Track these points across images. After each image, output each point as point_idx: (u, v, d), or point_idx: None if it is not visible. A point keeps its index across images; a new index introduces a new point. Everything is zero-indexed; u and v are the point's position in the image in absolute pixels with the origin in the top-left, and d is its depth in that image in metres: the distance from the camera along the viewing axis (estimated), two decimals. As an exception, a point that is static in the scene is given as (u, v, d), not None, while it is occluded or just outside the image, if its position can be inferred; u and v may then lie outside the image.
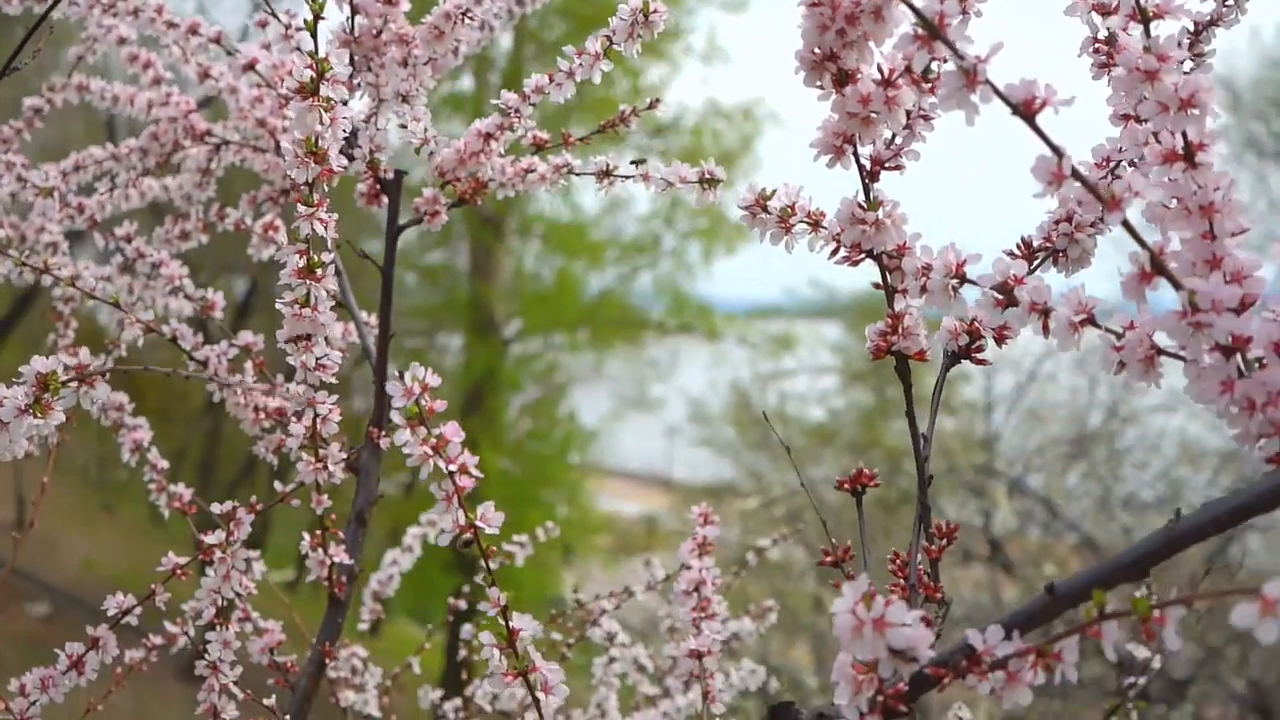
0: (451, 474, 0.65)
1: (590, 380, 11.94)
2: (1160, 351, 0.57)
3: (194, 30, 1.12)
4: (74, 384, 0.70)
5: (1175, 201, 0.58)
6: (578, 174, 1.01)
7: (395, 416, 0.64)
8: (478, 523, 0.66)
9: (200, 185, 1.23)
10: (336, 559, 1.00)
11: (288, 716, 0.97)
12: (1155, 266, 0.54)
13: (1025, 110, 0.53)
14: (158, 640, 1.17)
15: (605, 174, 0.98)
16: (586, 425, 11.64)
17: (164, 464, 1.13)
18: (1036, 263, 0.71)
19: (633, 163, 0.98)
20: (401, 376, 0.64)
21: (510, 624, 0.68)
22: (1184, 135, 0.56)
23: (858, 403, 10.95)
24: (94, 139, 1.29)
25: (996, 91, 0.52)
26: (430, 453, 0.65)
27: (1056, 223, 0.71)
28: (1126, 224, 0.54)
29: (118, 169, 1.24)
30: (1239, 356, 0.54)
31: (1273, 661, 6.40)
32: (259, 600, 1.11)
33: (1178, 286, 0.54)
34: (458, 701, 1.43)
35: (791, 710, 0.60)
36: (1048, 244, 0.71)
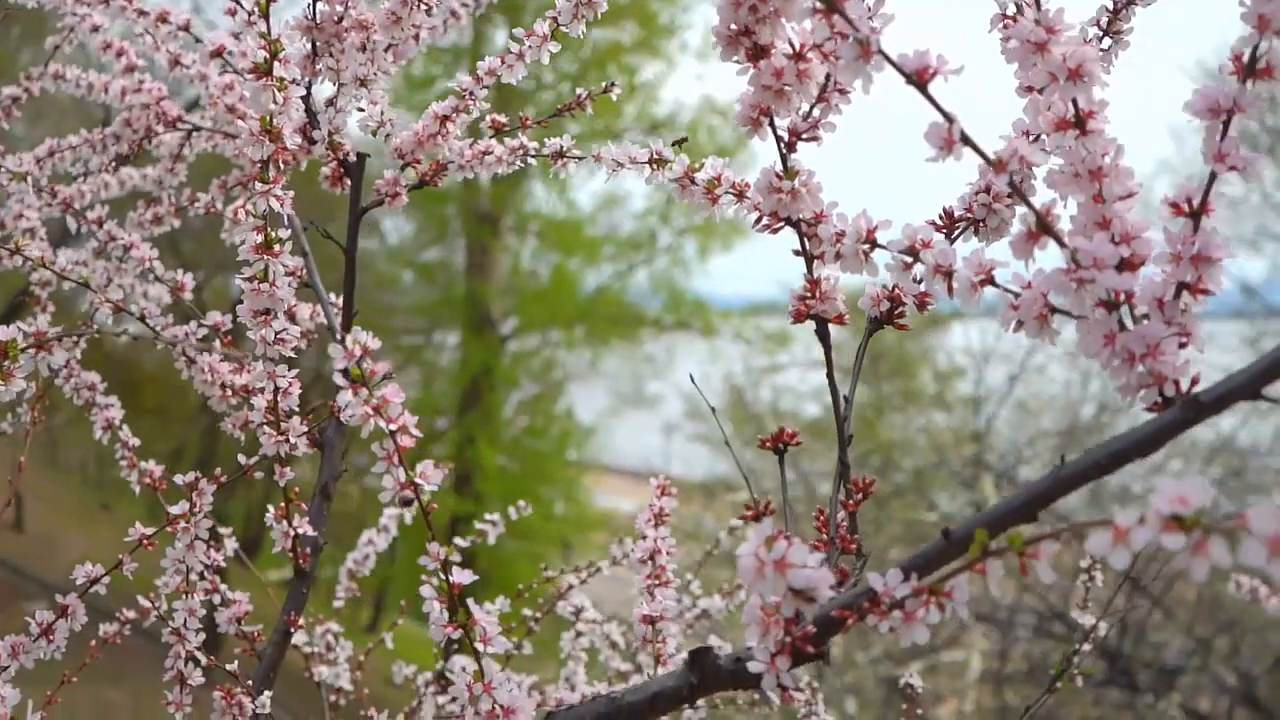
0: (393, 434, 0.68)
1: (587, 377, 11.98)
2: (1054, 309, 0.60)
3: (164, 18, 1.15)
4: (32, 350, 0.73)
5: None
6: (533, 156, 1.04)
7: (337, 378, 0.68)
8: (418, 480, 0.69)
9: (172, 170, 1.26)
10: (300, 531, 1.03)
11: (250, 682, 1.00)
12: (1041, 226, 0.57)
13: (918, 79, 0.56)
14: (130, 614, 1.21)
15: (559, 155, 1.01)
16: (584, 422, 11.67)
17: (135, 441, 1.16)
18: (957, 232, 0.74)
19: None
20: (343, 341, 0.67)
21: (451, 578, 0.71)
22: (1074, 103, 0.59)
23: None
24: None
25: (890, 61, 0.55)
26: (371, 413, 0.68)
27: (976, 193, 0.74)
28: (1012, 185, 0.57)
29: (91, 155, 1.27)
30: (1124, 311, 0.58)
31: (1262, 652, 6.43)
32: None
33: (1063, 245, 0.57)
34: (428, 675, 1.47)
35: (710, 653, 0.63)
36: (968, 214, 0.75)
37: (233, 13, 1.14)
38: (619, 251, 11.70)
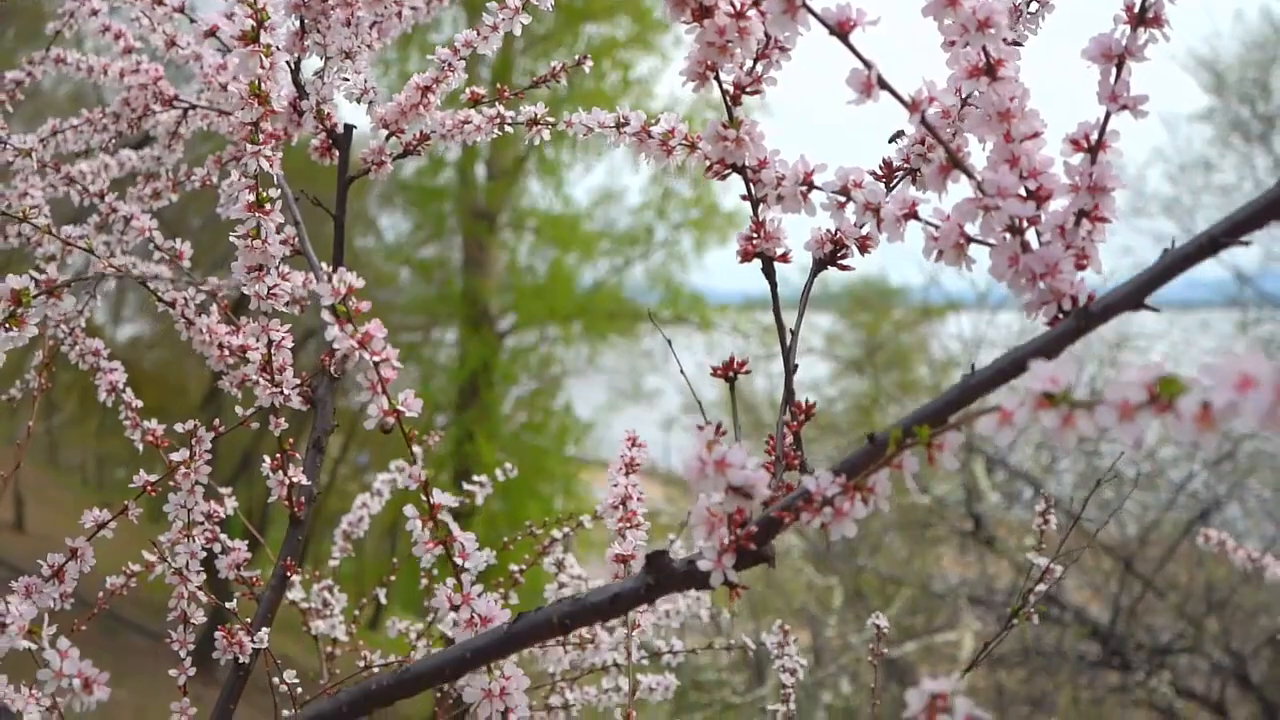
0: (376, 365, 0.75)
1: (585, 373, 12.05)
2: (969, 239, 0.66)
3: (159, 0, 1.21)
4: (43, 297, 0.79)
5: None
6: (510, 124, 1.10)
7: (324, 315, 0.74)
8: (400, 407, 0.75)
9: (169, 147, 1.33)
10: (295, 480, 1.10)
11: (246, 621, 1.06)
12: (951, 160, 0.63)
13: (840, 30, 0.62)
14: (136, 567, 1.27)
15: (534, 122, 1.08)
16: (582, 417, 11.73)
17: (138, 403, 1.22)
18: (896, 179, 0.81)
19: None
20: (330, 279, 0.73)
21: (431, 500, 0.77)
22: (985, 52, 0.65)
23: (850, 390, 11.07)
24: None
25: (814, 14, 0.62)
26: (357, 345, 0.74)
27: (913, 144, 0.81)
28: (925, 123, 0.63)
29: (93, 134, 1.33)
30: (1031, 236, 0.64)
31: (1252, 633, 6.51)
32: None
33: (971, 177, 0.63)
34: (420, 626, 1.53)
35: (665, 556, 0.70)
36: (906, 164, 0.81)
37: (225, -5, 1.20)
38: (615, 247, 11.78)
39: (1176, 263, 0.57)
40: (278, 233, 0.94)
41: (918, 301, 10.62)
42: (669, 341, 0.94)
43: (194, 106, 1.33)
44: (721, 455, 0.61)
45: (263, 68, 0.83)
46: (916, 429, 0.56)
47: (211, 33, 1.16)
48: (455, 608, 0.75)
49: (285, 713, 1.11)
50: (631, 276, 11.84)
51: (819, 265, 0.80)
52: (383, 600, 1.52)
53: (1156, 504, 7.20)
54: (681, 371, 1.06)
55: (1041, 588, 1.21)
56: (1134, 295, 0.58)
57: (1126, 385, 0.45)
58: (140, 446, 1.20)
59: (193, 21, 1.23)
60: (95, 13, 1.32)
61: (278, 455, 1.09)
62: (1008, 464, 6.51)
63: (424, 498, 0.77)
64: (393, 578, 1.58)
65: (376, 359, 0.74)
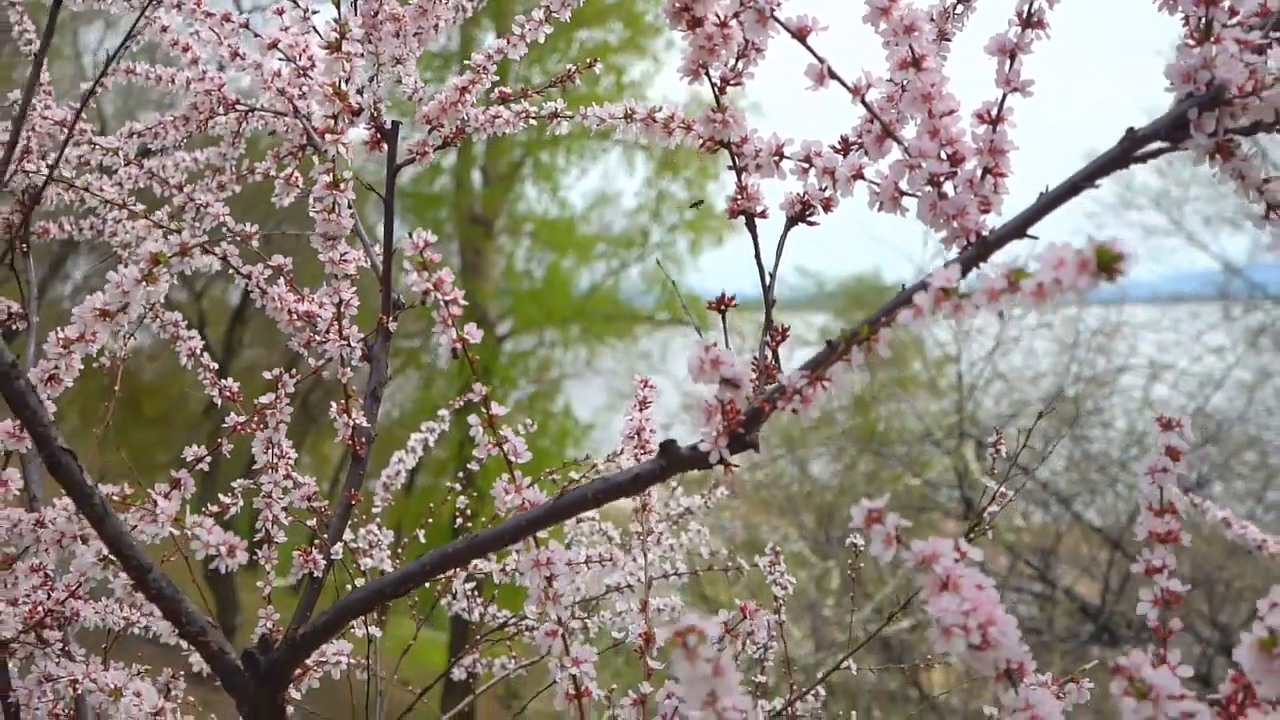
0: (447, 303, 0.95)
1: (584, 375, 12.24)
2: (902, 192, 0.86)
3: (227, 18, 1.42)
4: (177, 257, 0.99)
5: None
6: (534, 118, 1.30)
7: (405, 264, 0.94)
8: (465, 336, 0.96)
9: (233, 145, 1.53)
10: (358, 423, 1.30)
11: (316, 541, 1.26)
12: (885, 132, 0.84)
13: (800, 34, 0.82)
14: (214, 509, 1.47)
15: (554, 115, 1.28)
16: (582, 419, 11.92)
17: (215, 365, 1.42)
18: (852, 152, 1.01)
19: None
20: (411, 235, 0.94)
21: (491, 411, 0.97)
22: (911, 49, 0.85)
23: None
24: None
25: (780, 24, 0.82)
26: (432, 288, 0.94)
27: (863, 123, 1.01)
28: (865, 104, 0.83)
29: (165, 133, 1.53)
30: (949, 188, 0.84)
31: (1239, 606, 6.72)
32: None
33: (900, 144, 0.83)
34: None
35: (674, 444, 0.90)
36: (858, 139, 1.01)
37: (280, 12, 1.41)
38: (612, 249, 11.99)
39: (1049, 202, 0.77)
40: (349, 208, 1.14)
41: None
42: (696, 326, 1.13)
43: (253, 109, 1.53)
44: (716, 355, 0.81)
45: (344, 70, 1.03)
46: (861, 329, 0.76)
47: (274, 45, 1.37)
48: (509, 495, 0.96)
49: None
50: (628, 278, 12.05)
51: (791, 222, 1.00)
52: (422, 540, 1.72)
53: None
54: (706, 347, 1.26)
55: (994, 509, 1.41)
56: (1018, 228, 0.78)
57: (992, 278, 0.65)
58: (219, 400, 1.39)
59: (256, 36, 1.43)
60: (166, 29, 1.52)
61: (343, 401, 1.29)
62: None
63: (484, 409, 0.97)
64: (430, 520, 1.78)
65: (447, 298, 0.94)
